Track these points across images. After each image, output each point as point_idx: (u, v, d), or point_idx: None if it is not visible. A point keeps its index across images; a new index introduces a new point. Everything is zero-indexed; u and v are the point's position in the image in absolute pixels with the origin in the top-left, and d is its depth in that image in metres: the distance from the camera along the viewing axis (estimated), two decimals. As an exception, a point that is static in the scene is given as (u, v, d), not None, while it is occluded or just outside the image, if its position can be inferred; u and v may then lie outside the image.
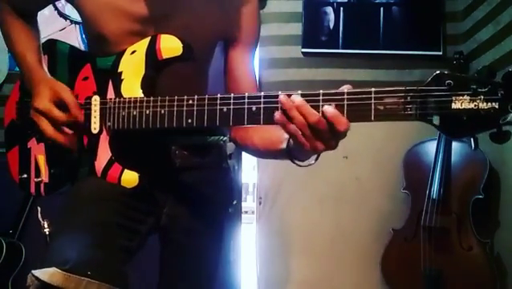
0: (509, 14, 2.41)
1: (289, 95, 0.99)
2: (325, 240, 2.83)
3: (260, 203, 2.89)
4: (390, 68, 2.88)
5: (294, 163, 1.13)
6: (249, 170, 3.03)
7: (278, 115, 0.99)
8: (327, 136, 0.98)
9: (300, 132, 0.99)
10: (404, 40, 2.88)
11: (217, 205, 1.44)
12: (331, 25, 2.91)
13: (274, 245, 2.87)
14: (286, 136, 1.12)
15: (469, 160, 2.45)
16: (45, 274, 1.09)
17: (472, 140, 0.91)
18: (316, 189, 2.80)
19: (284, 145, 1.14)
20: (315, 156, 1.07)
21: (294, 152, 1.11)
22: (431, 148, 2.55)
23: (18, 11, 1.37)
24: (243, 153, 2.82)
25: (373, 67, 2.89)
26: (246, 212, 2.94)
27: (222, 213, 1.46)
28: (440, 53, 2.85)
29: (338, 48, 2.90)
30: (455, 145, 2.48)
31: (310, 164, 1.10)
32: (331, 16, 2.92)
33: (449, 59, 2.77)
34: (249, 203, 3.07)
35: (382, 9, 2.89)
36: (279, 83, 2.88)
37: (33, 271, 1.11)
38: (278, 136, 1.17)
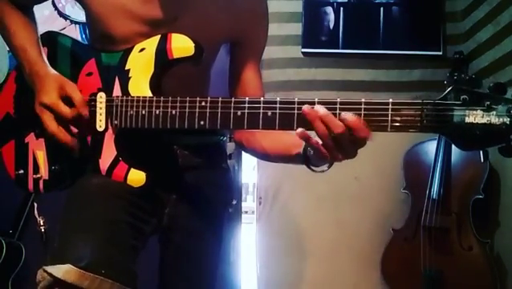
0: (510, 14, 2.41)
1: (311, 104, 0.99)
2: (325, 240, 2.82)
3: (260, 203, 2.89)
4: (390, 68, 2.87)
5: (310, 168, 1.13)
6: (249, 170, 3.02)
7: (299, 131, 1.00)
8: (349, 146, 0.99)
9: (322, 143, 1.00)
10: (404, 40, 2.87)
11: (218, 205, 1.44)
12: (331, 25, 2.91)
13: (274, 245, 2.86)
14: (302, 141, 1.12)
15: (469, 160, 2.44)
16: (59, 270, 1.07)
17: (481, 152, 0.94)
18: (316, 189, 2.79)
19: (299, 150, 1.14)
20: (329, 163, 1.08)
21: (312, 160, 1.11)
22: (431, 148, 2.54)
23: (15, 3, 1.32)
24: (243, 153, 2.83)
25: (373, 67, 2.88)
26: (246, 212, 2.93)
27: (222, 213, 1.46)
28: (440, 53, 2.84)
29: (338, 48, 2.90)
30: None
31: (323, 171, 1.11)
32: (331, 16, 2.91)
33: (448, 59, 2.76)
34: (249, 203, 3.06)
35: (382, 9, 2.88)
36: (279, 83, 2.87)
37: (45, 267, 1.08)
38: (290, 140, 1.17)
